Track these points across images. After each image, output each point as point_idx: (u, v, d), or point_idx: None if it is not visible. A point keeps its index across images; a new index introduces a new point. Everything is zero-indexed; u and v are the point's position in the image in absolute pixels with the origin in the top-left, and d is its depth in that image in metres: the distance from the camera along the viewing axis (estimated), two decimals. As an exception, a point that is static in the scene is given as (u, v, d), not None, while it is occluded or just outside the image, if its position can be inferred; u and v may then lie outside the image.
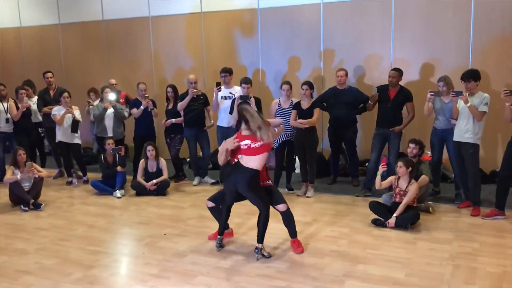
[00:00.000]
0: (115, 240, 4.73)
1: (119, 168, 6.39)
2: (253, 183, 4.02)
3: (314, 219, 5.10)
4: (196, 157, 6.91)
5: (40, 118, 7.41)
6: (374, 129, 6.10)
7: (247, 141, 4.00)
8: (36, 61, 9.42)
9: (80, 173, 7.12)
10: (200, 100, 6.62)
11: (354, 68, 7.13)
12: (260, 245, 4.07)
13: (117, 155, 6.46)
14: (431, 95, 5.37)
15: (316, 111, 5.88)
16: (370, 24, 6.98)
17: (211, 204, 4.38)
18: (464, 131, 5.09)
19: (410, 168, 4.85)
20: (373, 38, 7.01)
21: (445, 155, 5.74)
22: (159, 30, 8.42)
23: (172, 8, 8.21)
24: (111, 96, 6.84)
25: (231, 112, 6.18)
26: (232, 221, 4.65)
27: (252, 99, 5.99)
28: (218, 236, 4.30)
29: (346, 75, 6.35)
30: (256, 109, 5.91)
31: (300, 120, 5.86)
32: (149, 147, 6.29)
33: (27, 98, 7.22)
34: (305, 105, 5.93)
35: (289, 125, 5.97)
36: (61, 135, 6.83)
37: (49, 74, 7.35)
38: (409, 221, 4.69)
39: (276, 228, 4.58)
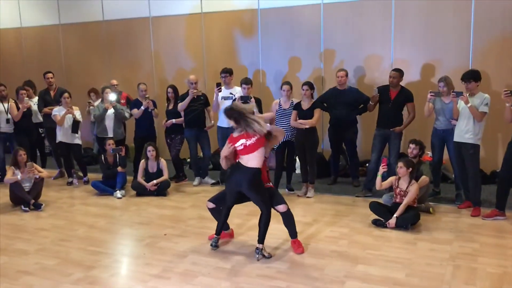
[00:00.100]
0: (116, 241, 4.74)
1: (119, 169, 6.40)
2: (256, 182, 4.03)
3: (315, 220, 5.10)
4: (197, 157, 6.92)
5: (41, 119, 7.42)
6: (374, 130, 6.10)
7: (242, 141, 4.00)
8: (37, 61, 9.43)
9: (80, 174, 7.13)
10: (201, 101, 6.62)
11: (355, 69, 7.13)
12: (260, 246, 4.07)
13: (117, 155, 6.46)
14: (431, 95, 5.38)
15: (317, 112, 5.88)
16: (370, 25, 6.98)
17: (211, 205, 4.38)
18: (465, 131, 5.09)
19: (411, 169, 4.85)
20: (373, 38, 7.01)
21: (445, 155, 5.74)
22: (159, 30, 8.43)
23: (172, 8, 8.21)
24: (112, 96, 6.84)
25: (231, 113, 6.17)
26: (232, 222, 4.66)
27: (253, 99, 5.99)
28: (215, 236, 4.30)
29: (347, 75, 6.35)
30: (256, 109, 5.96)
31: (301, 121, 5.86)
32: (150, 148, 6.29)
33: (27, 98, 7.22)
34: (305, 105, 5.93)
35: (289, 125, 5.98)
36: (61, 136, 6.83)
37: (50, 75, 7.36)
38: (409, 221, 4.69)
39: (276, 229, 4.58)
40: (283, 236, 4.42)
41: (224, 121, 6.39)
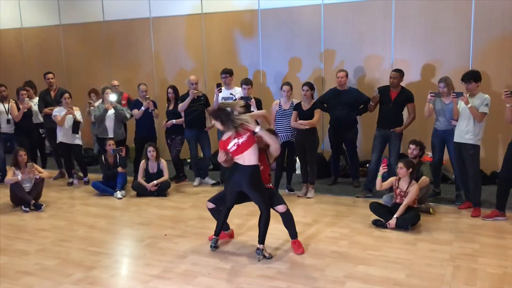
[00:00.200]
0: (116, 241, 4.74)
1: (119, 169, 6.40)
2: (256, 179, 4.02)
3: (315, 220, 5.10)
4: (197, 158, 6.92)
5: (41, 119, 7.42)
6: (374, 130, 6.10)
7: (233, 141, 3.99)
8: (37, 62, 9.44)
9: (81, 174, 7.13)
10: (201, 101, 6.62)
11: (355, 69, 7.13)
12: (261, 246, 4.07)
13: (117, 156, 6.46)
14: (431, 96, 5.38)
15: (317, 112, 5.88)
16: (370, 25, 6.98)
17: (211, 205, 4.39)
18: (465, 132, 5.09)
19: (411, 169, 4.85)
20: (373, 39, 7.01)
21: (445, 156, 5.74)
22: (159, 31, 8.43)
23: (172, 9, 8.22)
24: (112, 97, 6.84)
25: (231, 113, 6.18)
26: (232, 222, 4.66)
27: (253, 100, 6.00)
28: (214, 237, 4.30)
29: (347, 76, 6.35)
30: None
31: (301, 121, 5.87)
32: (150, 148, 6.29)
33: (28, 99, 7.22)
34: (305, 106, 5.93)
35: (289, 126, 5.98)
36: (62, 136, 6.83)
37: (50, 75, 7.37)
38: (409, 222, 4.69)
39: (276, 229, 4.58)
40: (283, 236, 4.43)
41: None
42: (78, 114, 6.86)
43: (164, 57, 8.51)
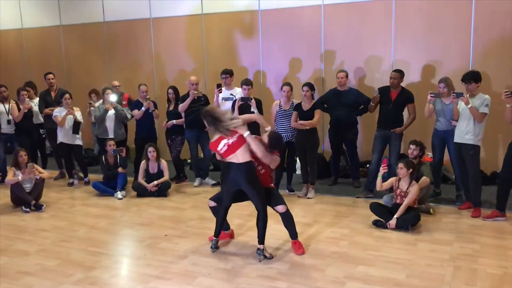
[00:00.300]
0: (116, 241, 4.74)
1: (120, 170, 6.40)
2: (252, 176, 4.02)
3: (315, 220, 5.10)
4: (197, 158, 6.92)
5: (42, 120, 7.42)
6: (375, 131, 6.10)
7: (223, 141, 3.99)
8: (38, 62, 9.45)
9: (81, 174, 7.13)
10: (201, 102, 6.62)
11: (355, 70, 7.14)
12: (261, 246, 4.07)
13: (118, 156, 6.47)
14: (431, 96, 5.38)
15: (317, 113, 5.89)
16: (370, 26, 6.99)
17: (212, 203, 4.38)
18: (465, 132, 5.09)
19: (411, 170, 4.86)
20: (373, 39, 7.01)
21: (446, 156, 5.74)
22: (160, 31, 8.44)
23: (173, 9, 8.22)
24: (112, 97, 6.84)
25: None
26: (232, 222, 4.66)
27: (253, 100, 6.00)
28: (214, 238, 4.30)
29: (347, 76, 6.36)
30: (255, 110, 5.97)
31: (301, 122, 5.87)
32: (150, 149, 6.30)
33: (28, 99, 7.22)
34: (306, 106, 5.94)
35: (290, 126, 5.98)
36: (62, 137, 6.84)
37: (51, 76, 7.37)
38: (409, 222, 4.69)
39: (276, 229, 4.59)
40: (283, 236, 4.43)
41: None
42: (78, 115, 6.87)
43: (165, 58, 8.51)
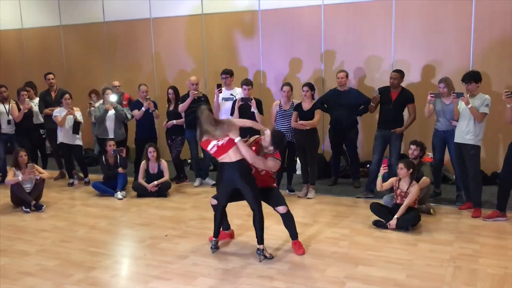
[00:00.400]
0: (116, 242, 4.74)
1: (120, 170, 6.40)
2: (247, 173, 4.02)
3: (315, 221, 5.10)
4: (197, 158, 6.92)
5: (42, 120, 7.42)
6: (375, 131, 6.10)
7: (213, 142, 3.99)
8: (38, 62, 9.45)
9: (81, 175, 7.13)
10: (201, 102, 6.61)
11: (355, 70, 7.14)
12: (261, 246, 4.07)
13: (118, 156, 6.47)
14: (431, 96, 5.38)
15: (317, 113, 5.89)
16: (371, 26, 6.99)
17: (214, 202, 4.37)
18: (465, 132, 5.09)
19: (411, 170, 4.85)
20: (374, 39, 7.01)
21: (446, 156, 5.74)
22: (160, 31, 8.44)
23: (173, 9, 8.22)
24: (112, 97, 6.84)
25: (232, 114, 6.19)
26: (232, 223, 4.66)
27: (253, 100, 6.00)
28: (214, 238, 4.30)
29: (347, 76, 6.36)
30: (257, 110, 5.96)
31: (301, 122, 5.87)
32: (150, 149, 6.30)
33: (28, 99, 7.22)
34: (306, 106, 5.94)
35: (290, 126, 5.98)
36: (62, 137, 6.84)
37: (51, 76, 7.37)
38: (410, 222, 4.69)
39: (277, 229, 4.59)
40: (283, 237, 4.43)
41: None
42: (78, 115, 6.87)
43: (165, 58, 8.51)
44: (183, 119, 6.71)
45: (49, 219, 5.43)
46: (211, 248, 4.28)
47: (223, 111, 6.45)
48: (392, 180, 5.03)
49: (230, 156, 3.99)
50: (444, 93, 5.45)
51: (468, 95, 5.04)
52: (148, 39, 8.52)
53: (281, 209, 4.14)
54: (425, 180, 5.13)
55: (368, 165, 6.71)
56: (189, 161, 7.57)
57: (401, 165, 4.89)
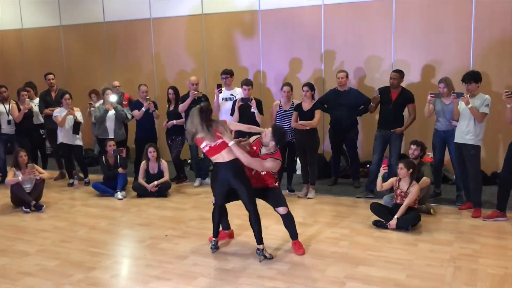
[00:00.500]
0: (116, 242, 4.74)
1: (120, 170, 6.40)
2: (239, 172, 4.02)
3: (315, 221, 5.10)
4: (198, 158, 6.92)
5: (42, 120, 7.42)
6: (375, 131, 6.10)
7: (205, 142, 3.99)
8: (38, 62, 9.45)
9: (81, 175, 7.13)
10: (201, 102, 6.61)
11: (355, 70, 7.13)
12: (261, 246, 4.07)
13: (118, 156, 6.47)
14: (431, 96, 5.38)
15: (317, 113, 5.89)
16: (371, 26, 6.99)
17: None
18: (465, 132, 5.09)
19: (411, 170, 4.85)
20: (374, 39, 7.01)
21: (446, 156, 5.73)
22: (160, 31, 8.44)
23: (173, 9, 8.22)
24: (112, 97, 6.84)
25: (232, 114, 6.19)
26: (232, 223, 4.66)
27: (253, 101, 6.00)
28: (213, 239, 4.30)
29: (347, 76, 6.35)
30: (257, 110, 5.96)
31: (301, 122, 5.87)
32: (150, 149, 6.30)
33: (28, 99, 7.22)
34: (306, 106, 5.94)
35: (290, 126, 5.98)
36: (62, 137, 6.84)
37: (51, 76, 7.37)
38: (410, 222, 4.69)
39: (277, 230, 4.59)
40: (283, 237, 4.43)
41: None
42: (78, 115, 6.87)
43: (165, 58, 8.51)
44: (183, 119, 6.70)
45: (49, 219, 5.43)
46: (211, 248, 4.28)
47: (223, 111, 6.45)
48: (392, 180, 5.03)
49: (223, 156, 3.99)
50: (444, 93, 5.45)
51: (468, 95, 5.03)
52: (148, 39, 8.52)
53: (282, 210, 4.14)
54: (425, 180, 5.13)
55: (368, 165, 6.71)
56: (189, 161, 7.57)
57: (401, 165, 4.89)
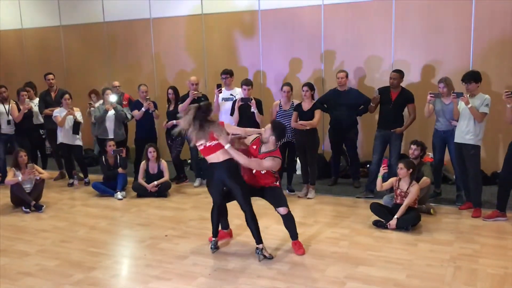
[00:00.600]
0: (116, 242, 4.74)
1: (120, 170, 6.40)
2: (234, 173, 4.03)
3: (315, 221, 5.10)
4: (197, 158, 6.91)
5: (42, 120, 7.42)
6: (375, 131, 6.10)
7: (199, 141, 3.99)
8: (38, 63, 9.45)
9: (81, 175, 7.13)
10: (201, 102, 6.61)
11: (355, 70, 7.13)
12: (260, 246, 4.07)
13: (118, 156, 6.46)
14: (431, 96, 5.37)
15: (317, 113, 5.89)
16: (370, 26, 6.99)
17: None
18: (465, 132, 5.09)
19: (411, 170, 4.85)
20: (373, 39, 7.01)
21: (446, 156, 5.73)
22: (160, 31, 8.44)
23: (173, 9, 8.22)
24: (112, 98, 6.84)
25: (232, 114, 6.20)
26: (232, 222, 4.66)
27: (253, 101, 6.00)
28: (213, 239, 4.30)
29: (347, 76, 6.35)
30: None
31: (301, 122, 5.87)
32: (150, 149, 6.30)
33: (28, 99, 7.22)
34: (306, 106, 5.94)
35: (290, 126, 5.98)
36: (62, 137, 6.83)
37: (51, 76, 7.37)
38: (410, 222, 4.69)
39: (277, 230, 4.59)
40: (283, 237, 4.43)
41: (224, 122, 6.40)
42: (78, 115, 6.87)
43: (165, 58, 8.51)
44: (183, 119, 6.69)
45: (49, 220, 5.43)
46: (211, 248, 4.28)
47: (223, 111, 6.45)
48: (392, 180, 5.03)
49: (218, 157, 4.00)
50: (444, 93, 5.45)
51: (468, 95, 5.03)
52: (148, 39, 8.52)
53: (282, 210, 4.13)
54: (425, 180, 5.12)
55: (368, 165, 6.71)
56: (189, 161, 7.56)
57: (401, 165, 4.89)
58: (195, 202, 5.99)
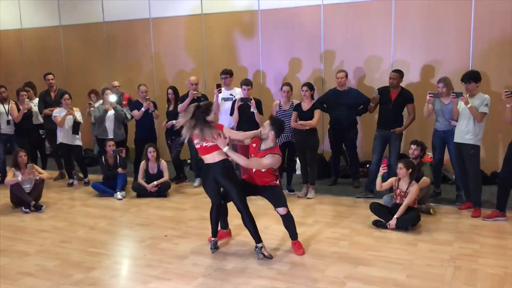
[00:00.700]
0: (116, 242, 4.74)
1: (120, 170, 6.39)
2: (228, 172, 4.04)
3: (315, 221, 5.10)
4: (197, 158, 6.89)
5: (41, 120, 7.42)
6: (374, 131, 6.10)
7: (196, 140, 4.00)
8: (37, 63, 9.45)
9: (81, 175, 7.13)
10: (201, 102, 6.61)
11: (355, 70, 7.13)
12: (259, 244, 4.07)
13: (118, 156, 6.46)
14: (430, 96, 5.37)
15: (317, 113, 5.89)
16: (370, 26, 6.99)
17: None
18: (465, 132, 5.09)
19: (411, 170, 4.85)
20: (373, 39, 7.01)
21: (446, 156, 5.74)
22: (160, 31, 8.43)
23: (172, 9, 8.22)
24: (112, 97, 6.84)
25: (231, 114, 6.19)
26: (231, 222, 4.66)
27: (253, 101, 6.00)
28: (213, 239, 4.30)
29: (346, 76, 6.35)
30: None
31: (301, 122, 5.87)
32: (150, 149, 6.29)
33: (28, 100, 7.22)
34: (305, 106, 5.94)
35: (289, 126, 5.98)
36: (62, 137, 6.83)
37: (50, 76, 7.37)
38: (409, 222, 4.69)
39: (276, 230, 4.59)
40: (283, 237, 4.43)
41: (224, 122, 6.39)
42: (78, 115, 6.86)
43: (164, 58, 8.51)
44: (182, 119, 6.69)
45: (49, 220, 5.43)
46: (211, 248, 4.28)
47: (223, 111, 6.45)
48: (391, 180, 5.03)
49: (214, 157, 4.01)
50: (443, 93, 5.45)
51: (467, 95, 5.04)
52: (148, 39, 8.52)
53: (282, 210, 4.14)
54: (425, 180, 5.13)
55: (367, 165, 6.71)
56: (189, 161, 7.56)
57: (400, 165, 4.89)
58: (194, 202, 5.99)
